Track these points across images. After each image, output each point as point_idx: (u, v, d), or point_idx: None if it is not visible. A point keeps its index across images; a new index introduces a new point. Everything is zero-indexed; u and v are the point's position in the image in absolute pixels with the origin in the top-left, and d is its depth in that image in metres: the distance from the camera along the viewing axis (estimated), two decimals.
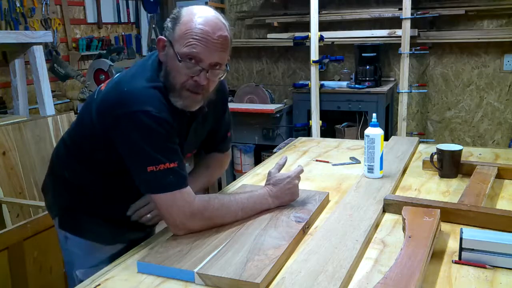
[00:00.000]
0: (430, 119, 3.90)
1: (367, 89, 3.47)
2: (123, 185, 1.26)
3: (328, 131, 3.68)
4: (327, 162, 1.83)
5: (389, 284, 0.88)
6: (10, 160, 2.42)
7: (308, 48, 3.52)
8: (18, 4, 3.08)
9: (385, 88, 3.50)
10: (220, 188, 3.30)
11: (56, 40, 3.33)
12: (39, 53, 2.69)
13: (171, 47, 1.16)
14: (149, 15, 4.31)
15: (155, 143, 1.12)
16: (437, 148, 1.61)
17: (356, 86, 3.52)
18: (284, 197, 1.31)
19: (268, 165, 1.81)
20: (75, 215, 1.34)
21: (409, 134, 3.73)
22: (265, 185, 1.34)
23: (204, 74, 1.15)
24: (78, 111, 2.73)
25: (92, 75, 3.23)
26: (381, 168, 1.53)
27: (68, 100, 3.37)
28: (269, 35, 4.08)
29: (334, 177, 1.65)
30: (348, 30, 3.79)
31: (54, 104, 2.93)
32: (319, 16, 3.46)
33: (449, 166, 1.58)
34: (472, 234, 1.02)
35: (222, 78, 1.24)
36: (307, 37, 3.50)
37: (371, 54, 3.52)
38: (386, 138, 1.89)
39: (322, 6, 3.63)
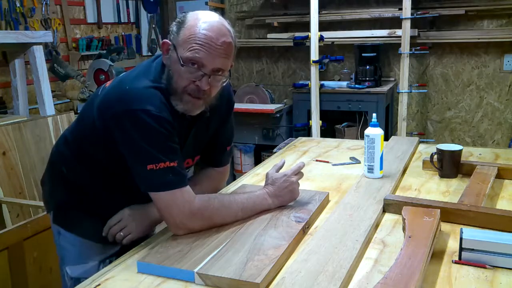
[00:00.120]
0: (430, 119, 3.90)
1: (367, 89, 3.47)
2: (123, 185, 1.27)
3: (328, 131, 3.68)
4: (327, 162, 1.83)
5: (389, 284, 0.88)
6: (10, 160, 2.42)
7: (308, 48, 3.52)
8: (18, 4, 3.08)
9: (385, 88, 3.50)
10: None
11: (56, 40, 3.33)
12: (39, 53, 2.69)
13: (174, 51, 1.16)
14: (149, 15, 4.31)
15: (155, 141, 1.12)
16: (437, 148, 1.61)
17: (356, 86, 3.52)
18: (284, 195, 1.31)
19: (268, 165, 1.81)
20: (70, 211, 1.34)
21: (409, 134, 3.73)
22: (264, 186, 1.34)
23: (206, 79, 1.16)
24: (79, 111, 2.74)
25: (92, 75, 3.23)
26: (381, 168, 1.53)
27: (68, 100, 3.37)
28: (269, 35, 4.08)
29: (334, 177, 1.65)
30: (348, 30, 3.79)
31: (54, 104, 2.93)
32: (319, 16, 3.47)
33: (449, 166, 1.58)
34: (472, 234, 1.02)
35: (224, 84, 1.24)
36: (307, 37, 3.50)
37: (371, 54, 3.53)
38: (386, 138, 1.89)
39: (322, 6, 3.63)
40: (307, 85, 3.59)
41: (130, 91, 1.15)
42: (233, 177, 3.76)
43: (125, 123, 1.12)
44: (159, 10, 4.43)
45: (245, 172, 2.44)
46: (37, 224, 2.02)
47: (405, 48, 3.41)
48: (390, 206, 1.31)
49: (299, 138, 2.25)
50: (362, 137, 1.82)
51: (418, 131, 3.88)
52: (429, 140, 3.70)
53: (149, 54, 4.30)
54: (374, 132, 1.50)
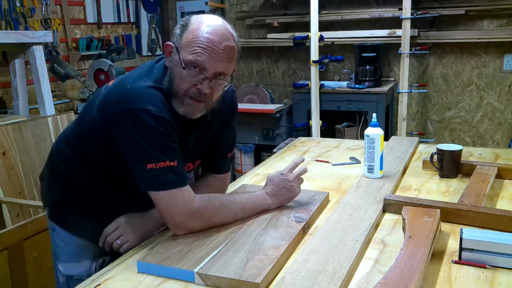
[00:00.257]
0: (430, 119, 3.90)
1: (367, 89, 3.47)
2: (122, 185, 1.26)
3: (328, 131, 3.68)
4: (327, 162, 1.83)
5: (389, 284, 0.88)
6: (10, 160, 2.42)
7: (308, 48, 3.52)
8: (18, 4, 3.08)
9: (385, 88, 3.50)
10: None
11: (56, 40, 3.33)
12: (39, 53, 2.69)
13: (177, 54, 1.16)
14: (149, 15, 4.31)
15: (155, 141, 1.12)
16: (437, 148, 1.61)
17: (356, 86, 3.52)
18: (283, 194, 1.31)
19: (268, 165, 1.81)
20: (66, 209, 1.33)
21: (409, 134, 3.73)
22: (263, 187, 1.35)
23: (208, 83, 1.16)
24: (79, 111, 2.74)
25: (92, 75, 3.23)
26: (381, 168, 1.53)
27: (68, 100, 3.37)
28: (269, 35, 4.08)
29: (334, 177, 1.65)
30: (348, 30, 3.79)
31: (54, 104, 2.93)
32: (319, 16, 3.46)
33: (449, 166, 1.58)
34: (472, 234, 1.02)
35: (226, 88, 1.24)
36: (307, 37, 3.50)
37: (371, 54, 3.53)
38: (386, 138, 1.89)
39: (322, 6, 3.63)
40: (307, 85, 3.59)
41: (131, 90, 1.15)
42: (233, 177, 3.77)
43: (125, 122, 1.12)
44: (159, 10, 4.43)
45: (245, 172, 2.44)
46: (37, 224, 2.02)
47: (405, 48, 3.41)
48: (390, 206, 1.31)
49: (299, 138, 2.25)
50: (362, 137, 1.82)
51: (418, 131, 3.88)
52: (429, 140, 3.70)
53: (149, 54, 4.30)
54: (374, 132, 1.50)
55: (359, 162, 1.80)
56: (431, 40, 3.62)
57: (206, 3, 4.14)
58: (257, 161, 3.79)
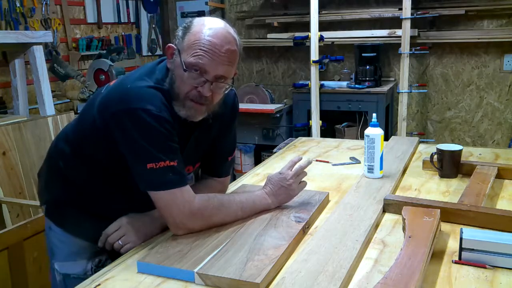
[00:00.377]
0: (430, 119, 3.90)
1: (367, 89, 3.47)
2: (122, 185, 1.26)
3: (328, 131, 3.68)
4: (327, 162, 1.83)
5: (389, 284, 0.88)
6: (10, 160, 2.42)
7: (308, 48, 3.52)
8: (18, 4, 3.08)
9: (385, 88, 3.50)
10: None
11: (56, 40, 3.33)
12: (39, 53, 2.69)
13: (178, 56, 1.16)
14: (149, 15, 4.31)
15: (155, 141, 1.12)
16: (437, 148, 1.61)
17: (356, 86, 3.52)
18: (281, 193, 1.31)
19: (268, 165, 1.81)
20: (64, 208, 1.33)
21: (409, 134, 3.73)
22: (263, 187, 1.35)
23: (208, 86, 1.16)
24: (79, 111, 2.74)
25: (92, 75, 3.23)
26: (381, 168, 1.53)
27: (68, 100, 3.37)
28: (269, 35, 4.08)
29: (334, 177, 1.65)
30: (348, 30, 3.79)
31: (54, 104, 2.93)
32: (319, 16, 3.47)
33: (449, 166, 1.58)
34: (472, 234, 1.02)
35: (227, 91, 1.24)
36: (307, 37, 3.50)
37: (371, 54, 3.53)
38: (386, 138, 1.89)
39: (322, 6, 3.63)
40: (307, 85, 3.59)
41: (131, 90, 1.15)
42: (233, 177, 3.76)
43: (125, 122, 1.12)
44: (159, 10, 4.43)
45: (245, 172, 2.44)
46: (37, 224, 2.02)
47: (405, 48, 3.41)
48: (390, 206, 1.31)
49: (299, 138, 2.25)
50: (362, 137, 1.82)
51: (418, 131, 3.88)
52: (429, 140, 3.70)
53: (149, 54, 4.30)
54: (374, 132, 1.50)
55: (359, 162, 1.80)
56: (431, 40, 3.62)
57: (206, 3, 4.14)
58: (257, 161, 3.79)
